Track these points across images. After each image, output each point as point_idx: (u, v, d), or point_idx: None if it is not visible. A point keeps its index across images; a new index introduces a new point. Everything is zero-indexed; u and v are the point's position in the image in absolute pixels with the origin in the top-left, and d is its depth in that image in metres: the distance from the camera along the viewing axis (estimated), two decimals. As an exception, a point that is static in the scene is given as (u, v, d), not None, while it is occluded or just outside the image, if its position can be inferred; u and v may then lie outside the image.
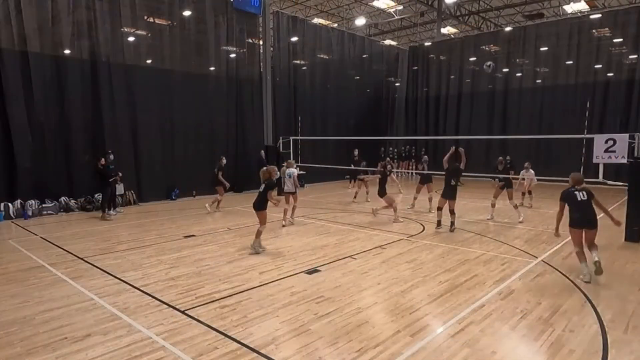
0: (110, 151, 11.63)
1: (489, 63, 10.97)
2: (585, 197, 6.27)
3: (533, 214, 11.35)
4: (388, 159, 18.95)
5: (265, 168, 7.96)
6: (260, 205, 7.68)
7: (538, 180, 12.64)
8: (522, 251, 7.71)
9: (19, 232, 9.70)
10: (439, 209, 9.50)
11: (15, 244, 8.36)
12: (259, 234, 7.66)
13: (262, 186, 7.70)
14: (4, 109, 11.11)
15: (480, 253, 7.57)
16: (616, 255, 7.50)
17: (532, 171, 12.44)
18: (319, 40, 20.22)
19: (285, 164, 10.82)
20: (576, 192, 6.28)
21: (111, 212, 11.41)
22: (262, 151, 16.50)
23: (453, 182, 9.25)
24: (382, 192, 10.39)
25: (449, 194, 9.31)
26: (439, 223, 9.45)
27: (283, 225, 9.98)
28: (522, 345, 4.25)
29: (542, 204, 13.06)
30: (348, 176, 17.69)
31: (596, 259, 6.06)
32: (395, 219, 10.41)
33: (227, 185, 12.04)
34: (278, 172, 8.51)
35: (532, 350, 4.14)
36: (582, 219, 6.22)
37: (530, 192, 12.73)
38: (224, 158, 12.31)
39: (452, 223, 9.32)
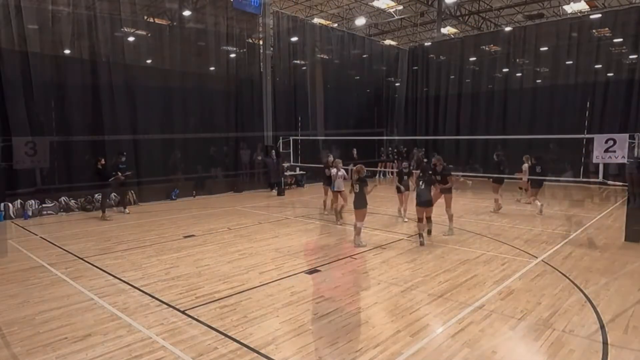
0: (124, 152, 11.81)
1: None
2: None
3: (533, 214, 11.33)
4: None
5: (354, 168, 8.12)
6: (357, 204, 7.99)
7: (537, 180, 12.57)
8: (522, 251, 7.71)
9: (19, 232, 9.70)
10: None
11: (15, 244, 8.35)
12: (358, 231, 8.02)
13: (357, 186, 7.98)
14: (4, 109, 11.10)
15: (480, 253, 7.57)
16: (616, 255, 7.49)
17: None
18: (319, 40, 20.21)
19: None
20: None
21: (125, 210, 11.90)
22: (273, 151, 16.45)
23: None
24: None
25: None
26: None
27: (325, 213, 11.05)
28: (522, 345, 4.26)
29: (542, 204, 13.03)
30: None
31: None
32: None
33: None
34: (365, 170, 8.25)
35: (532, 350, 4.14)
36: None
37: None
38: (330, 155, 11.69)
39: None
